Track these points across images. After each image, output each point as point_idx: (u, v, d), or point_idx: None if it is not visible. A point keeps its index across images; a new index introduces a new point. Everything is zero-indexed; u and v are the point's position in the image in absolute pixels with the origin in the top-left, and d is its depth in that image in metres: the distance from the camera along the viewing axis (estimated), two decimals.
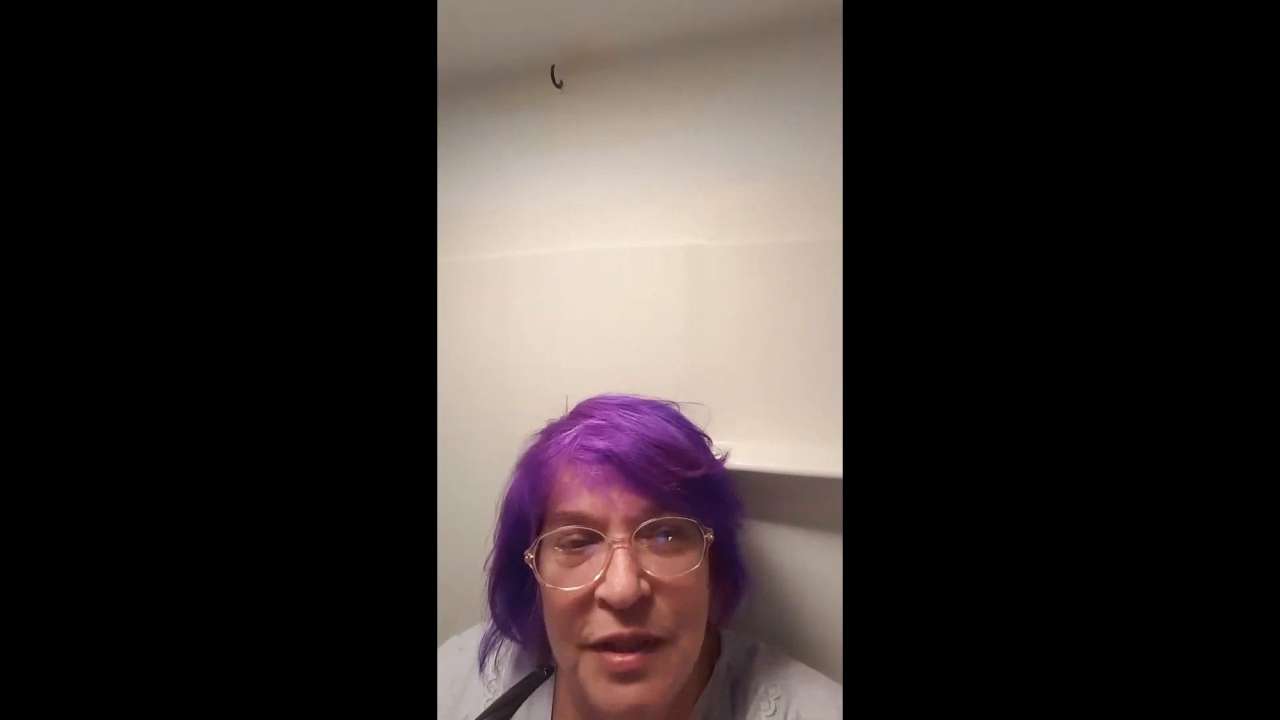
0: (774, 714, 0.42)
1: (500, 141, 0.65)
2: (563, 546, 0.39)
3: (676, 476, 0.38)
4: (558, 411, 0.46)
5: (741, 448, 0.50)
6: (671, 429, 0.41)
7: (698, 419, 0.45)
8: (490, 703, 0.38)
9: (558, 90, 0.61)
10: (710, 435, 0.45)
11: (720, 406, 0.53)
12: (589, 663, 0.37)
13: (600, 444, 0.38)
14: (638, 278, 0.57)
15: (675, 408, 0.45)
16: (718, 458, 0.44)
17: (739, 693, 0.43)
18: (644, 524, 0.37)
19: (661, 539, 0.38)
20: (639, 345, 0.57)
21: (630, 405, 0.42)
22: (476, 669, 0.47)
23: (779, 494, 0.50)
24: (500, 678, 0.47)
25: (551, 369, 0.60)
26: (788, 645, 0.49)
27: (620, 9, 0.53)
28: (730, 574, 0.44)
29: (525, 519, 0.41)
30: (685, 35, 0.56)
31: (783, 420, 0.52)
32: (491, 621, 0.46)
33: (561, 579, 0.38)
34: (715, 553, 0.41)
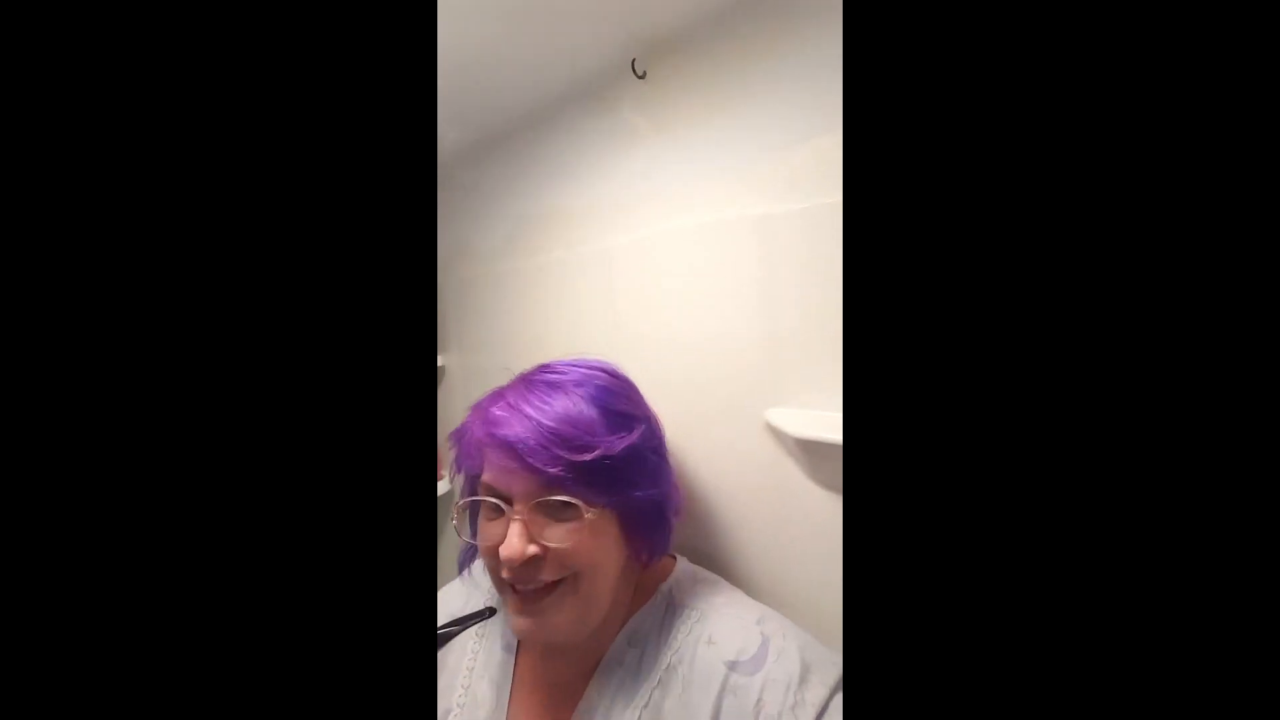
0: (689, 634, 0.46)
1: (599, 140, 0.70)
2: (486, 506, 0.46)
3: (564, 460, 0.42)
4: (663, 390, 0.53)
5: (821, 418, 0.49)
6: (579, 410, 0.45)
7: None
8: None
9: (641, 81, 0.64)
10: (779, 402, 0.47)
11: (794, 374, 0.52)
12: (504, 596, 0.46)
13: (501, 432, 0.44)
14: (716, 250, 0.58)
15: (609, 376, 0.49)
16: (632, 436, 0.46)
17: (671, 611, 0.49)
18: (536, 500, 0.43)
19: (556, 509, 0.43)
20: (722, 317, 0.58)
21: (552, 384, 0.47)
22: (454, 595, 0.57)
23: None
24: (478, 582, 0.56)
25: (654, 345, 0.64)
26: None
27: None
28: (643, 534, 0.48)
29: (469, 477, 0.49)
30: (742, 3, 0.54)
31: None
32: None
33: (484, 532, 0.45)
34: (624, 519, 0.46)
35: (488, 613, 0.46)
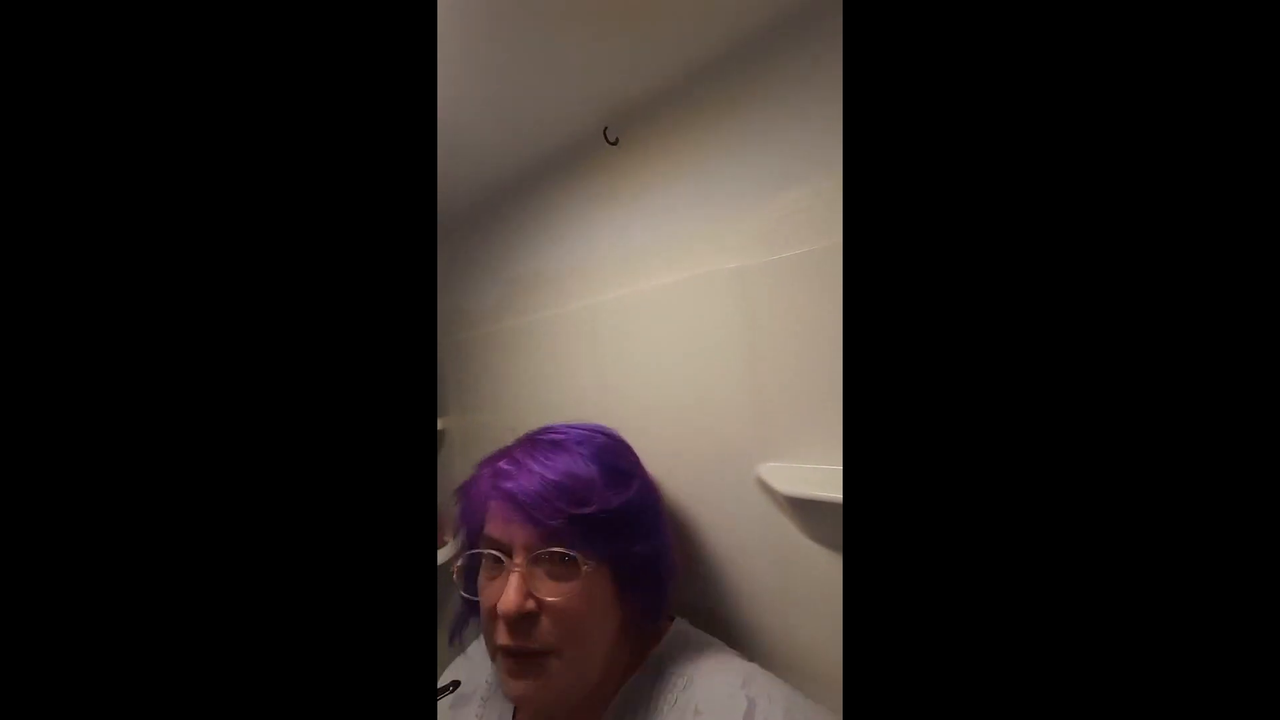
0: (674, 704, 0.45)
1: (578, 205, 0.73)
2: (487, 562, 0.46)
3: (564, 513, 0.43)
4: (652, 444, 0.55)
5: (812, 473, 0.49)
6: (580, 467, 0.46)
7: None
8: None
9: (614, 147, 0.67)
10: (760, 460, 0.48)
11: (783, 427, 0.52)
12: (498, 660, 0.45)
13: (506, 485, 0.45)
14: (696, 305, 0.59)
15: (606, 438, 0.51)
16: (629, 492, 0.48)
17: (661, 679, 0.47)
18: (535, 553, 0.44)
19: (554, 565, 0.44)
20: (706, 370, 0.58)
21: (555, 443, 0.48)
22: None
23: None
24: (469, 656, 0.56)
25: (639, 400, 0.64)
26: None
27: (646, 55, 0.57)
28: (638, 594, 0.47)
29: (471, 531, 0.49)
30: (707, 66, 0.57)
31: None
32: (461, 599, 0.52)
33: (483, 589, 0.46)
34: (619, 577, 0.46)
35: (451, 687, 0.46)
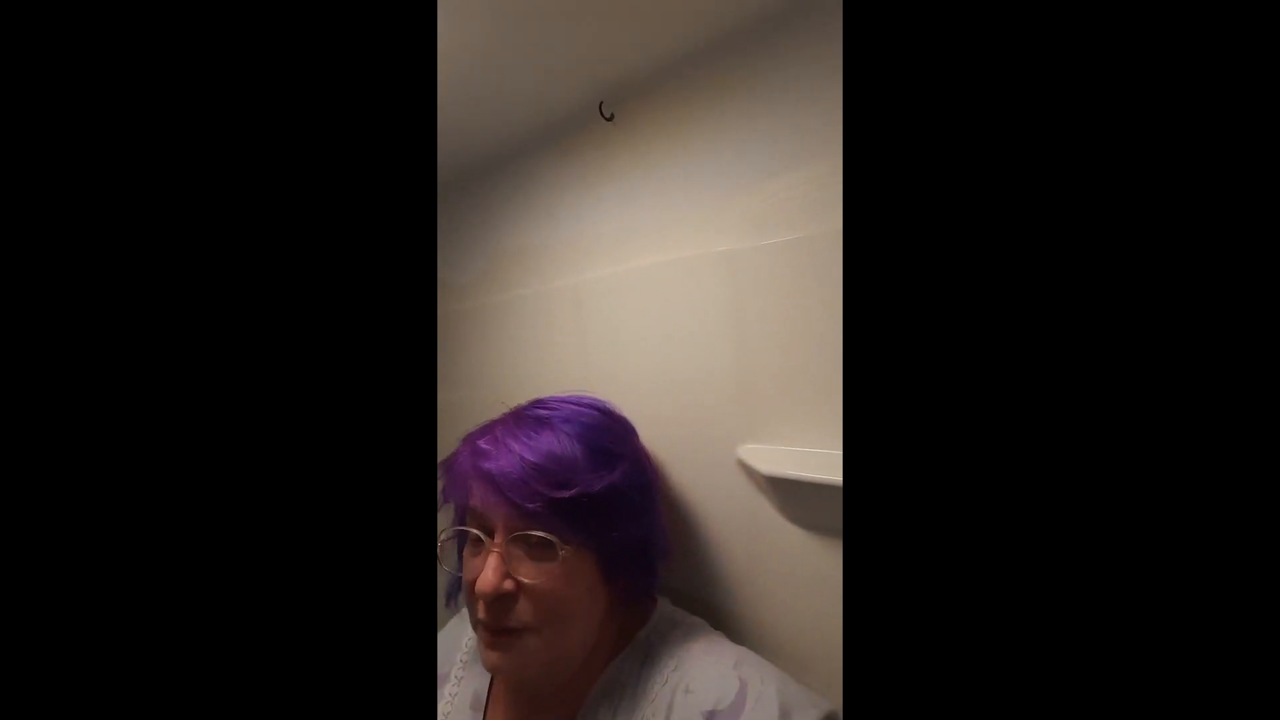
0: (665, 683, 0.45)
1: (569, 180, 0.72)
2: (471, 538, 0.46)
3: (543, 496, 0.43)
4: (635, 424, 0.54)
5: (791, 454, 0.49)
6: (563, 447, 0.45)
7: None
8: None
9: (609, 123, 0.66)
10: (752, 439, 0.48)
11: (765, 409, 0.53)
12: (478, 631, 0.46)
13: (485, 465, 0.45)
14: (684, 286, 0.59)
15: (599, 414, 0.50)
16: (614, 475, 0.46)
17: (649, 660, 0.47)
18: (514, 534, 0.44)
19: (533, 546, 0.44)
20: (691, 351, 0.59)
21: (540, 419, 0.47)
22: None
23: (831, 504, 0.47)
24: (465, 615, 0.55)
25: (622, 380, 0.64)
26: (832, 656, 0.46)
27: (647, 34, 0.56)
28: (626, 576, 0.48)
29: (460, 506, 0.49)
30: (706, 47, 0.57)
31: (834, 423, 0.49)
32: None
33: (466, 563, 0.46)
34: (604, 560, 0.46)
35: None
